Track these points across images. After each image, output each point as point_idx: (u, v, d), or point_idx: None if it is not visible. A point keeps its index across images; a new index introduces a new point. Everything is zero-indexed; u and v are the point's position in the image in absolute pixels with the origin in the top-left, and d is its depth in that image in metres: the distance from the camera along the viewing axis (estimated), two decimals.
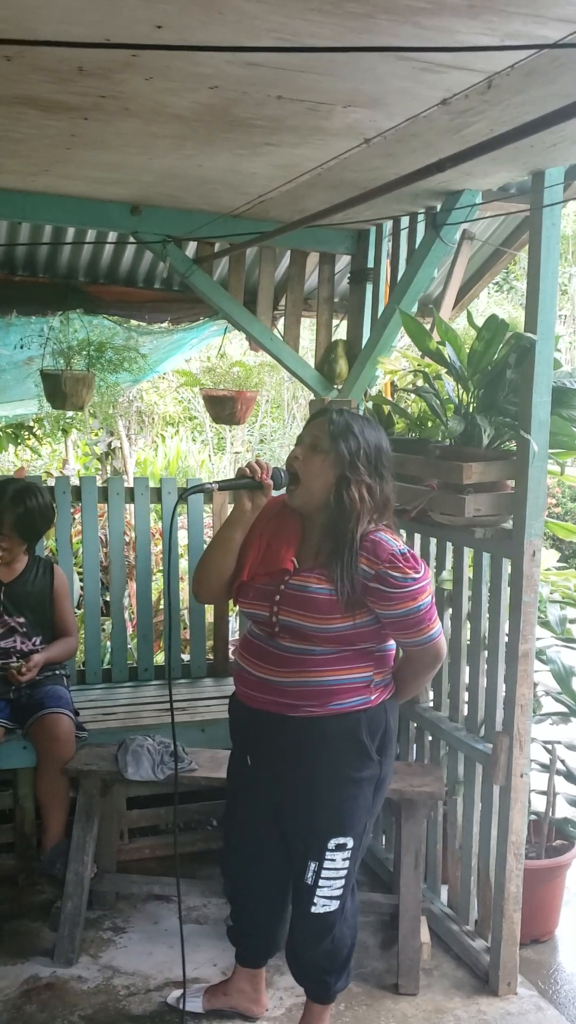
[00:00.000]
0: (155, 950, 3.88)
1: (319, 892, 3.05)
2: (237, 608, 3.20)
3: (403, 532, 4.25)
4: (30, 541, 4.29)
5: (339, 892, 3.07)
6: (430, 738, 4.14)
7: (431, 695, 4.18)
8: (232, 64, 2.48)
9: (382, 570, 2.84)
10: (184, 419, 14.77)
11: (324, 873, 3.02)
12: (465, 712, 3.90)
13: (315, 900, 3.06)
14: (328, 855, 3.01)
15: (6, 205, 4.19)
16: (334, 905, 3.08)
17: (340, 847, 3.01)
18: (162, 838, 4.59)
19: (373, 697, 2.99)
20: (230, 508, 3.16)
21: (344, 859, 3.03)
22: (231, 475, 2.99)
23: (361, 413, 4.44)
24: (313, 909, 3.07)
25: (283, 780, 3.05)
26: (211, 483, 3.05)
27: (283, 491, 3.05)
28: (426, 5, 2.08)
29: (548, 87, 2.60)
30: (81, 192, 4.18)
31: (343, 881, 3.06)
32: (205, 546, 3.81)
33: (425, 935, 3.81)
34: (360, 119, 2.93)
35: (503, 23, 2.18)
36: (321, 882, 3.03)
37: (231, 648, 5.35)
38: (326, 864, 3.02)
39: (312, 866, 3.03)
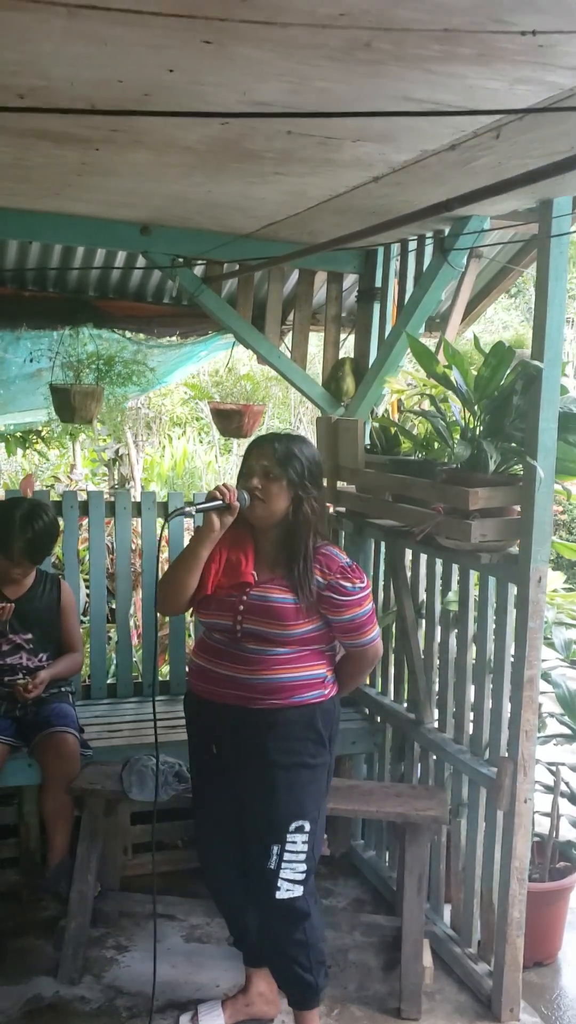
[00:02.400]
0: (158, 969, 3.86)
1: (282, 875, 3.21)
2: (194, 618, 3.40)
3: (408, 553, 4.27)
4: (39, 563, 4.31)
5: (302, 876, 3.24)
6: (434, 758, 4.15)
7: (436, 715, 4.19)
8: (242, 103, 2.48)
9: (334, 580, 3.20)
10: (191, 419, 14.77)
11: (286, 856, 3.21)
12: (470, 731, 3.91)
13: (279, 884, 3.22)
14: (289, 837, 3.21)
15: (16, 225, 4.21)
16: (298, 890, 3.23)
17: (299, 829, 3.22)
18: (166, 853, 4.61)
19: (327, 692, 3.29)
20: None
21: (304, 841, 3.23)
22: (234, 478, 3.21)
23: (368, 431, 4.47)
24: (278, 895, 3.22)
25: (245, 767, 3.26)
26: (189, 508, 3.31)
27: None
28: (435, 53, 2.09)
29: (558, 126, 2.60)
30: (91, 213, 4.18)
31: (304, 865, 3.23)
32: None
33: (428, 959, 3.82)
34: (369, 152, 2.94)
35: (513, 70, 2.19)
36: (284, 865, 3.21)
37: None
38: (287, 847, 3.21)
39: (275, 849, 3.20)
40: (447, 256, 3.97)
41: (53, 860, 4.05)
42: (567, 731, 4.22)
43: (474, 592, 3.86)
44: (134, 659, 5.40)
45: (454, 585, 4.03)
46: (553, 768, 4.22)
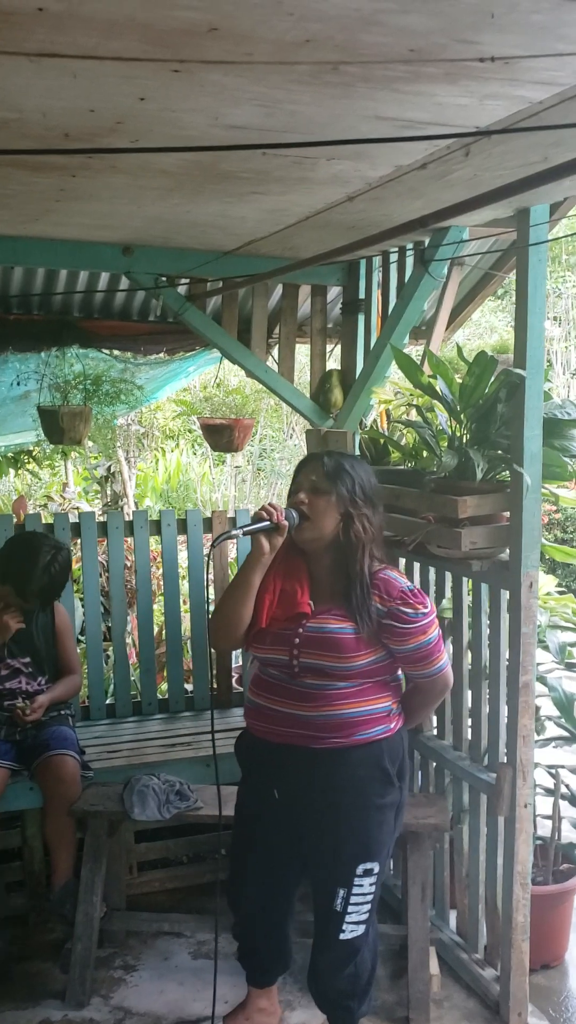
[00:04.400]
0: (166, 988, 3.90)
1: (348, 918, 3.12)
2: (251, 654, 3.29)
3: (402, 561, 4.28)
4: (46, 603, 4.34)
5: (366, 916, 3.15)
6: (434, 765, 4.16)
7: (435, 722, 4.20)
8: (215, 127, 2.50)
9: (394, 607, 3.02)
10: (183, 431, 14.79)
11: (353, 899, 3.11)
12: (469, 737, 3.92)
13: (344, 927, 3.13)
14: (356, 880, 3.10)
15: None
16: (361, 930, 3.16)
17: (367, 872, 3.10)
18: (171, 870, 4.61)
19: (392, 725, 3.14)
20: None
21: (371, 884, 3.12)
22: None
23: (357, 442, 4.50)
24: (342, 936, 3.14)
25: (309, 810, 3.14)
26: (236, 530, 3.24)
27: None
28: (403, 74, 2.11)
29: (529, 138, 2.61)
30: (73, 236, 4.20)
31: (369, 905, 3.15)
32: (205, 571, 3.87)
33: (435, 966, 3.83)
34: (344, 169, 2.96)
35: (480, 87, 2.21)
36: (350, 908, 3.11)
37: (234, 678, 5.37)
38: (355, 890, 3.10)
39: (341, 893, 3.10)
40: (428, 267, 3.99)
41: (58, 882, 4.05)
42: (565, 734, 4.24)
43: (467, 599, 3.88)
44: (132, 678, 5.41)
45: (447, 593, 4.05)
46: (553, 771, 4.23)
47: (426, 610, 3.06)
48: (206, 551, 5.15)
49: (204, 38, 1.86)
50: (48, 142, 2.64)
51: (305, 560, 3.19)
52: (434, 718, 4.19)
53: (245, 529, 3.15)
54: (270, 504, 3.10)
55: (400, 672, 3.21)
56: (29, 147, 2.69)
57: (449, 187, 3.12)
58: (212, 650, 4.58)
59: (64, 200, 3.42)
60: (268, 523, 3.06)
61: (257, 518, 3.10)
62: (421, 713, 3.37)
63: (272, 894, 3.37)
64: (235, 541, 5.30)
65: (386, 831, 3.14)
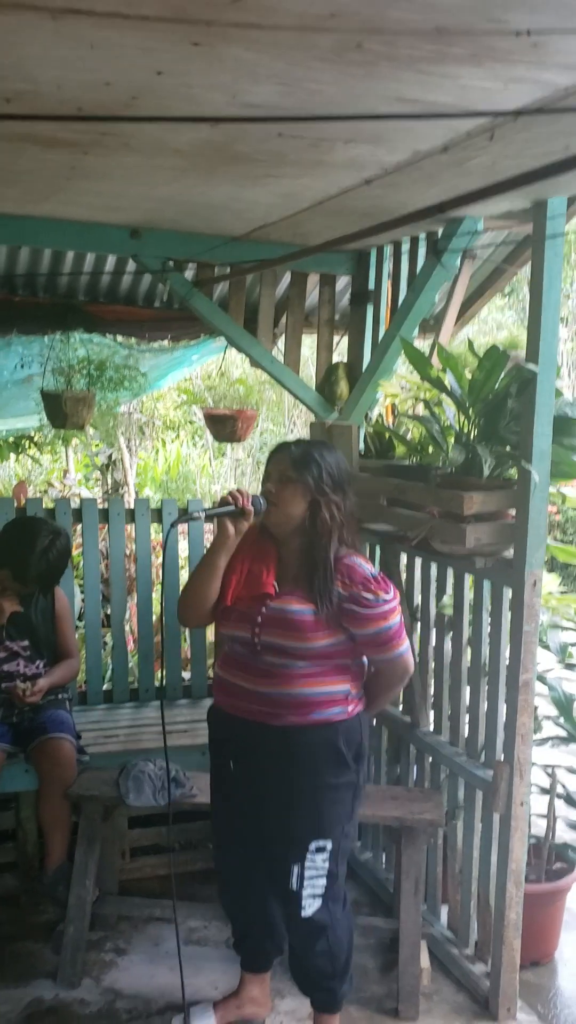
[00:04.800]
0: (156, 972, 3.89)
1: (304, 893, 3.18)
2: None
3: (404, 556, 4.26)
4: (45, 589, 4.31)
5: (322, 891, 3.19)
6: (430, 760, 4.14)
7: (432, 718, 4.18)
8: (232, 105, 2.47)
9: (356, 592, 3.06)
10: (184, 423, 14.78)
11: (307, 874, 3.17)
12: (466, 733, 3.90)
13: (303, 903, 3.19)
14: (309, 857, 3.16)
15: (5, 230, 4.19)
16: (318, 903, 3.20)
17: (320, 849, 3.16)
18: (164, 857, 4.57)
19: (350, 709, 3.17)
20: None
21: (324, 860, 3.17)
22: (231, 481, 3.18)
23: (362, 435, 4.47)
24: (303, 913, 3.20)
25: (264, 786, 3.21)
26: (198, 513, 3.25)
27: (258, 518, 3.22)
28: (428, 53, 2.08)
29: (552, 126, 2.59)
30: (81, 217, 4.17)
31: (324, 880, 3.19)
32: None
33: (425, 960, 3.82)
34: (361, 153, 2.93)
35: (506, 69, 2.19)
36: (305, 883, 3.17)
37: None
38: (307, 866, 3.16)
39: (295, 870, 3.17)
40: (440, 258, 3.95)
41: (51, 865, 4.05)
42: (563, 733, 4.22)
43: (469, 596, 3.85)
44: (130, 664, 5.39)
45: (449, 589, 4.02)
46: (549, 770, 4.21)
47: (387, 596, 3.09)
48: (207, 540, 5.13)
49: (227, 9, 1.83)
50: (62, 115, 2.61)
51: (275, 544, 3.24)
52: (431, 713, 4.17)
53: (208, 512, 3.20)
54: (237, 489, 3.16)
55: (364, 658, 3.25)
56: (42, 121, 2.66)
57: (466, 175, 3.09)
58: (182, 625, 4.61)
59: (75, 179, 3.39)
60: (232, 507, 3.12)
61: (223, 502, 3.16)
62: (383, 698, 3.40)
63: (248, 874, 3.41)
64: None
65: (340, 810, 3.18)
